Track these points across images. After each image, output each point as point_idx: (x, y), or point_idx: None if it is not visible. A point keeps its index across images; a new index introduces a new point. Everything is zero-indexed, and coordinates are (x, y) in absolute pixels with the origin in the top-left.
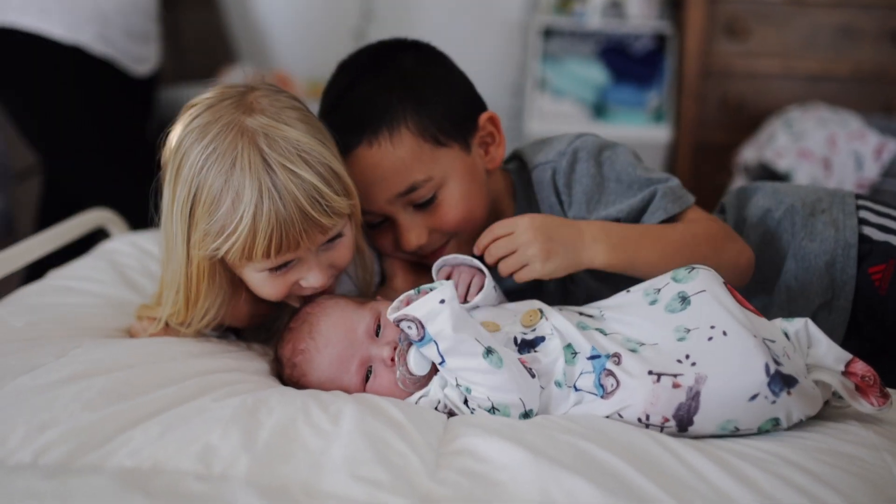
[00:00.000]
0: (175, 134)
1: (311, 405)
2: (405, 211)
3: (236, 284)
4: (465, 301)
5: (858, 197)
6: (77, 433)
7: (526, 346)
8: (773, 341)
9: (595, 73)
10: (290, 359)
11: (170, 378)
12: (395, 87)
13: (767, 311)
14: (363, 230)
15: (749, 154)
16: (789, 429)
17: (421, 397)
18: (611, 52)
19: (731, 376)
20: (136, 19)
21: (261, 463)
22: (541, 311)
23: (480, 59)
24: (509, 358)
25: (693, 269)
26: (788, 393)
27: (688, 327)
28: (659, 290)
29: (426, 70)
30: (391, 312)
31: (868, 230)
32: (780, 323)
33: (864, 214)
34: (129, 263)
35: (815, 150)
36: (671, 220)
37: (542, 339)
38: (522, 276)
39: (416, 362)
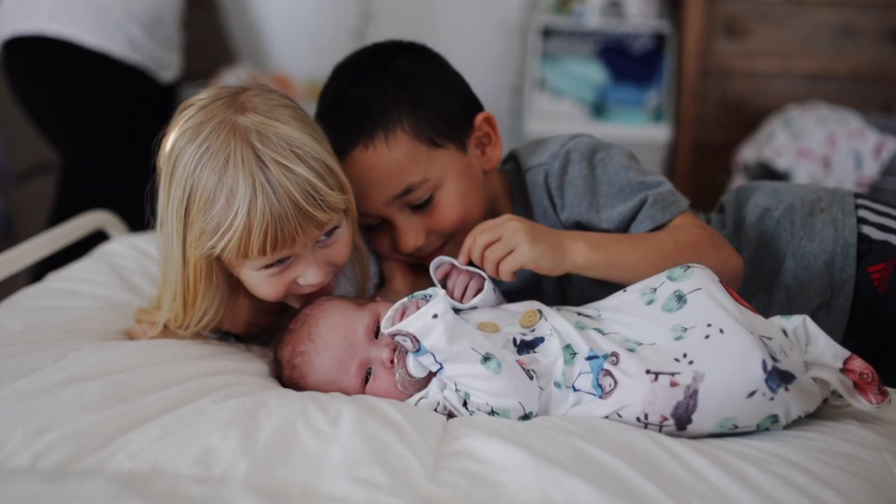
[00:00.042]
0: (169, 136)
1: (310, 407)
2: (402, 213)
3: (234, 287)
4: (462, 301)
5: (857, 196)
6: (75, 436)
7: (525, 346)
8: (769, 338)
9: (594, 73)
10: (290, 361)
11: (169, 380)
12: (390, 89)
13: (767, 311)
14: (361, 232)
15: (748, 153)
16: (789, 428)
17: (420, 399)
18: (610, 51)
19: (729, 373)
20: (163, 26)
21: (260, 465)
22: (540, 312)
23: (480, 59)
24: (508, 362)
25: (689, 267)
26: (786, 389)
27: (685, 326)
28: (655, 289)
29: (421, 72)
30: (385, 326)
31: (867, 229)
32: (778, 320)
33: (863, 213)
34: (128, 266)
35: (814, 148)
36: (660, 227)
37: (542, 339)
38: (511, 262)
39: (416, 364)
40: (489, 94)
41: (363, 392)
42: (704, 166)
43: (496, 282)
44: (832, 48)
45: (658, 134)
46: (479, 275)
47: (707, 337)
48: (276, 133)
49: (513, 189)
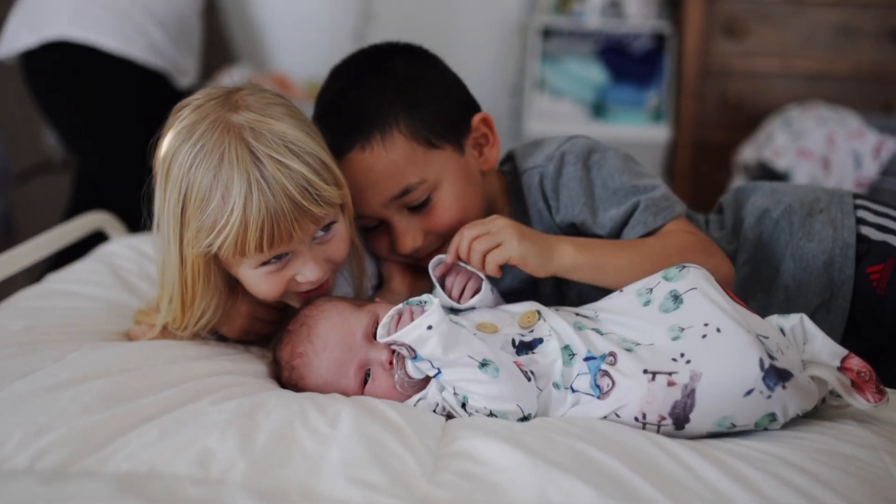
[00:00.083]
0: (165, 138)
1: (308, 408)
2: (400, 214)
3: (233, 289)
4: (460, 301)
5: (856, 196)
6: (74, 437)
7: (524, 347)
8: (766, 337)
9: (594, 73)
10: (289, 362)
11: (168, 381)
12: (386, 90)
13: (766, 312)
14: (359, 233)
15: (748, 153)
16: (787, 428)
17: (419, 400)
18: (610, 51)
19: (726, 372)
20: (184, 30)
21: (258, 466)
22: (538, 313)
23: (479, 60)
24: (505, 365)
25: (684, 267)
26: (783, 387)
27: (682, 326)
28: (651, 289)
29: (417, 73)
30: (381, 335)
31: (866, 230)
32: (775, 319)
33: (861, 214)
34: (127, 266)
35: (814, 148)
36: (653, 233)
37: (540, 340)
38: (497, 255)
39: (414, 366)
40: (489, 94)
41: (362, 393)
42: (704, 166)
43: (495, 282)
44: (832, 48)
45: (658, 134)
46: (477, 275)
47: (704, 336)
48: (270, 129)
49: (510, 190)
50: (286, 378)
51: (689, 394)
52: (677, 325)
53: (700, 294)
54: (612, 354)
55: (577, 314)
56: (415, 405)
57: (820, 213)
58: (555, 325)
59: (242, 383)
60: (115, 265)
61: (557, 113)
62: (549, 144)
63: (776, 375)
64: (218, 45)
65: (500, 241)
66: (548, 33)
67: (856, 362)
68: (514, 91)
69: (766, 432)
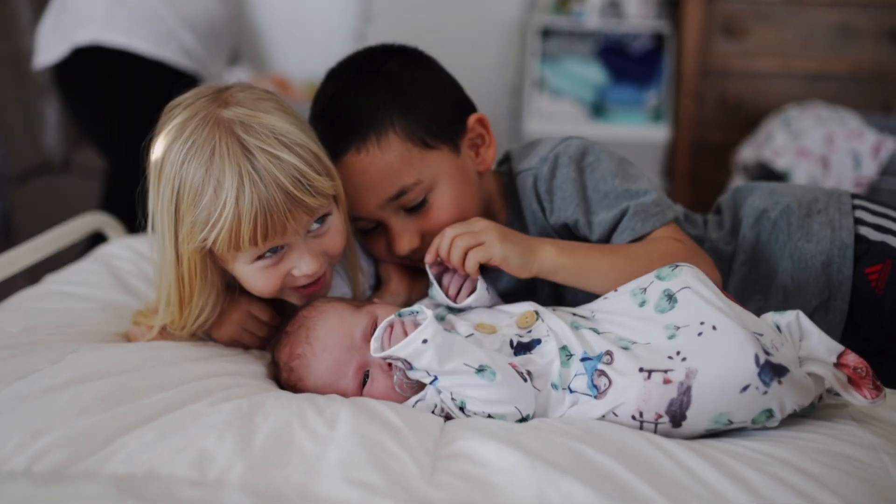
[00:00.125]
0: (157, 138)
1: (306, 409)
2: (396, 215)
3: (230, 290)
4: (456, 301)
5: (855, 196)
6: (72, 439)
7: (522, 348)
8: (761, 334)
9: (593, 73)
10: (287, 363)
11: (166, 382)
12: (381, 92)
13: (764, 312)
14: (357, 236)
15: (747, 153)
16: (786, 428)
17: (418, 401)
18: (609, 51)
19: (722, 368)
20: (215, 35)
21: (256, 468)
22: (536, 313)
23: (479, 60)
24: (502, 368)
25: (677, 266)
26: (779, 382)
27: (678, 325)
28: (644, 289)
29: (412, 74)
30: (375, 349)
31: (864, 230)
32: (771, 316)
33: (860, 214)
34: (126, 267)
35: (813, 148)
36: (641, 239)
37: (539, 341)
38: (479, 253)
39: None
40: (488, 94)
41: (361, 394)
42: (703, 166)
43: (493, 282)
44: (831, 48)
45: (657, 134)
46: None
47: (700, 334)
48: (260, 122)
49: (507, 191)
50: (285, 379)
51: (686, 391)
52: (673, 323)
53: (692, 293)
54: (609, 353)
55: (574, 314)
56: (413, 406)
57: (818, 213)
58: (552, 325)
59: (241, 384)
60: (113, 266)
61: (557, 113)
62: (544, 146)
63: (772, 371)
64: None
65: (482, 240)
66: (547, 33)
67: (852, 358)
68: (514, 91)
69: (764, 432)
